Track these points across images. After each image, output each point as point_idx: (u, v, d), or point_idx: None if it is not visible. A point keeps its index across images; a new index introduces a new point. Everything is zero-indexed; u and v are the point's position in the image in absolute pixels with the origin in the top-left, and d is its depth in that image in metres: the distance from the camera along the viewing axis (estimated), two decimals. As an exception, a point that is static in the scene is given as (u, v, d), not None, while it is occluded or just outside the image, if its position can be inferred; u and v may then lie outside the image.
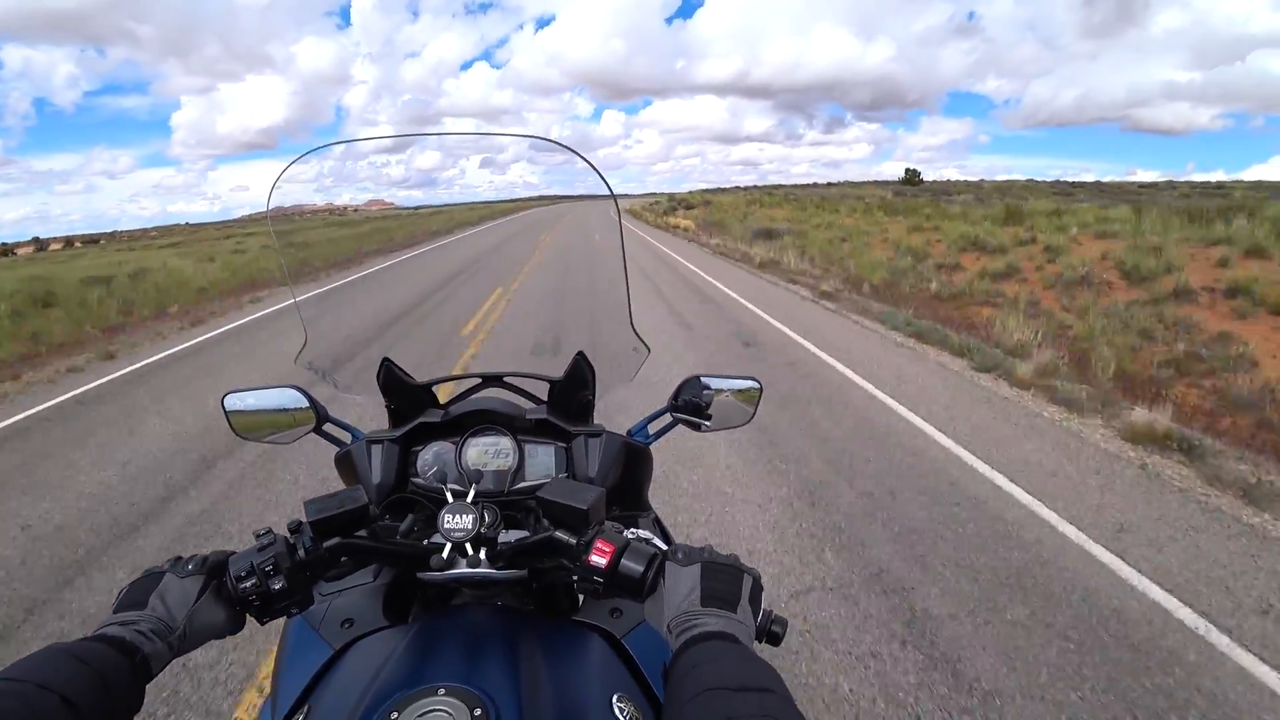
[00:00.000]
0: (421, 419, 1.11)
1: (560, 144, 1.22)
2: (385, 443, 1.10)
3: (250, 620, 0.77)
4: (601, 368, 1.16)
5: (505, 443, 1.09)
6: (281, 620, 0.81)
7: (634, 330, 1.22)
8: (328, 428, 1.18)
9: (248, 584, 0.74)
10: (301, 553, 0.77)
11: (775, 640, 0.72)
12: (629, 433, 1.16)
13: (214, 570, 0.75)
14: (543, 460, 1.09)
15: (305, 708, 0.76)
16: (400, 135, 1.45)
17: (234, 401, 1.17)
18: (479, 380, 1.23)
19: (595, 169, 1.20)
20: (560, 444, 1.09)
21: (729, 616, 0.66)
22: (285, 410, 1.17)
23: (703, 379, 1.14)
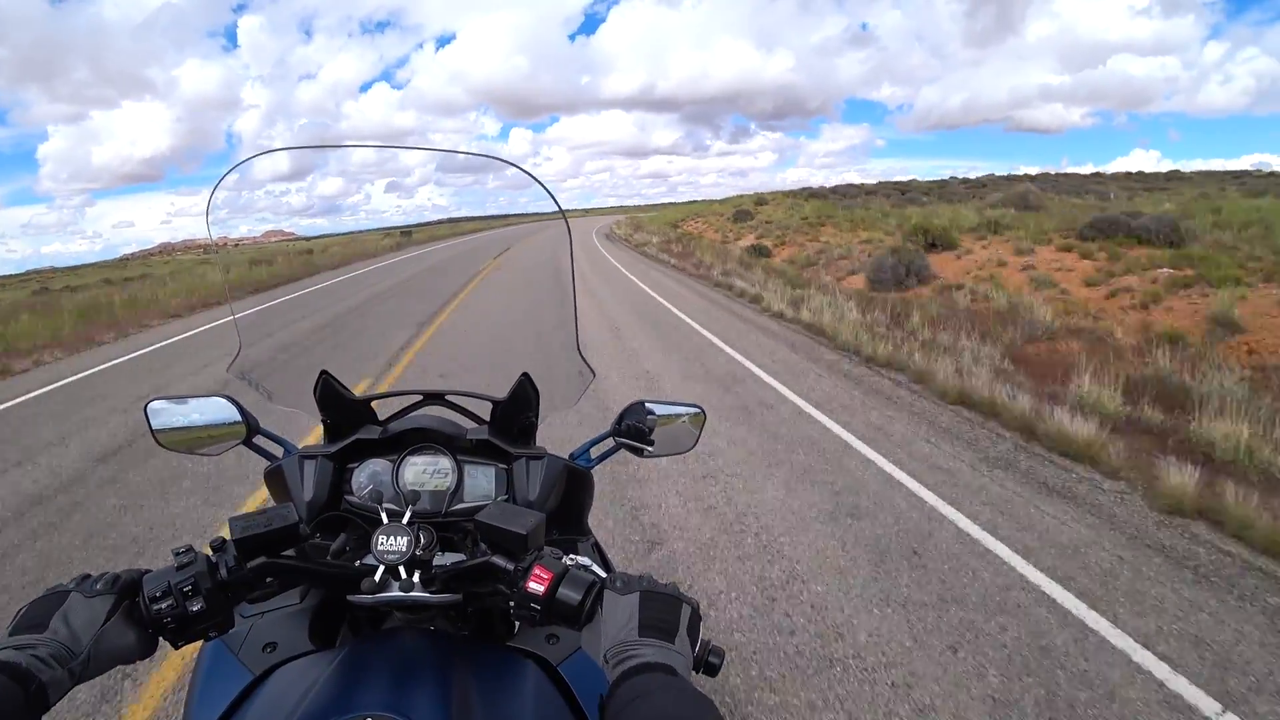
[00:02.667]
0: (358, 435, 1.08)
1: (520, 167, 1.23)
2: (319, 458, 1.06)
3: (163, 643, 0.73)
4: (546, 390, 1.16)
5: (444, 462, 1.07)
6: (197, 643, 0.77)
7: (580, 354, 1.22)
8: (258, 440, 1.14)
9: (163, 605, 0.70)
10: (224, 572, 0.74)
11: (712, 671, 0.72)
12: (571, 456, 1.16)
13: (126, 589, 0.70)
14: (482, 482, 1.07)
15: None
16: (350, 145, 1.43)
17: (158, 409, 1.11)
18: (420, 397, 1.21)
19: (549, 192, 1.21)
20: (501, 465, 1.08)
21: (666, 647, 0.66)
22: (213, 420, 1.12)
23: (646, 404, 1.15)
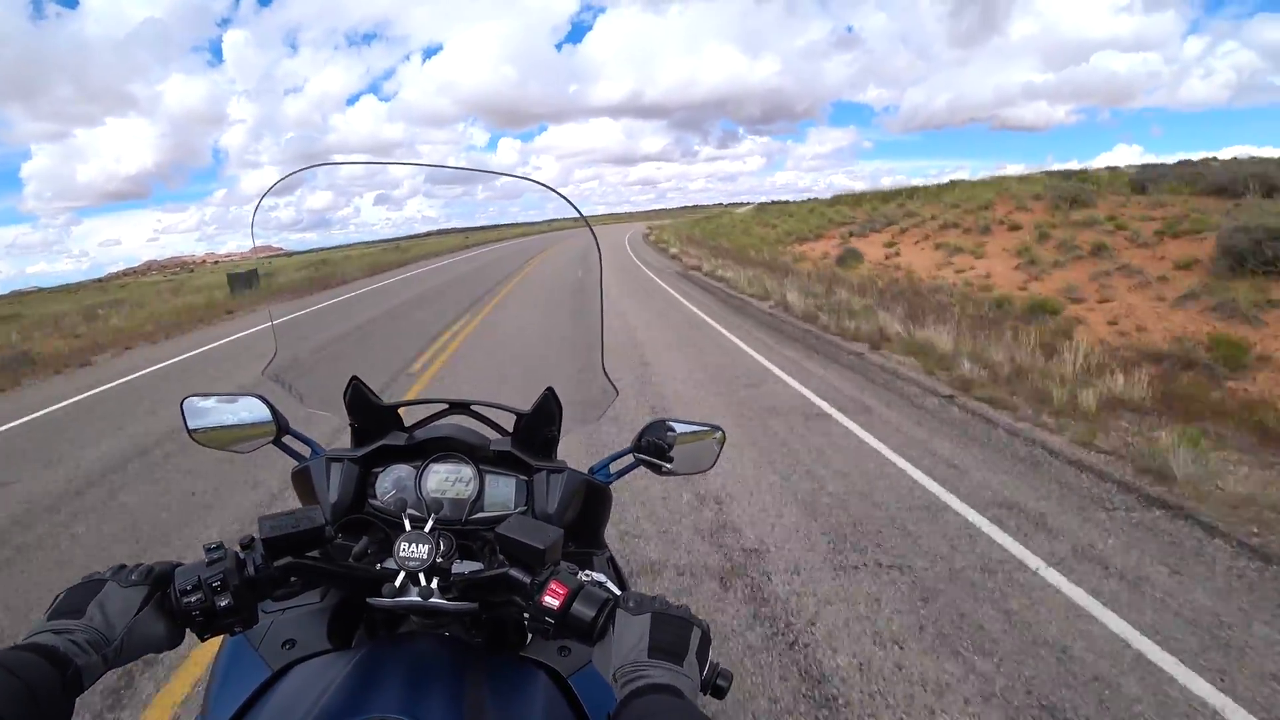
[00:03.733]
0: (384, 441, 1.11)
1: (556, 190, 1.25)
2: (345, 461, 1.09)
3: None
4: (570, 406, 1.17)
5: (466, 471, 1.09)
6: (220, 636, 0.79)
7: (605, 372, 1.24)
8: (287, 440, 1.17)
9: (192, 598, 0.72)
10: (251, 570, 0.76)
11: (720, 693, 0.73)
12: (591, 470, 1.17)
13: (158, 581, 0.73)
14: (503, 492, 1.09)
15: None
16: (389, 162, 1.47)
17: (194, 405, 1.15)
18: (446, 405, 1.23)
19: (574, 205, 1.24)
20: (522, 477, 1.10)
21: (675, 670, 0.66)
22: (245, 418, 1.15)
23: (667, 422, 1.16)
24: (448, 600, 0.83)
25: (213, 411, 1.15)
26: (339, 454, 1.11)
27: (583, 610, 0.73)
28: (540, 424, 1.14)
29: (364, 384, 1.14)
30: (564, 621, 0.74)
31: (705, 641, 0.72)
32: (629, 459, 1.18)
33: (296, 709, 0.71)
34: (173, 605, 0.73)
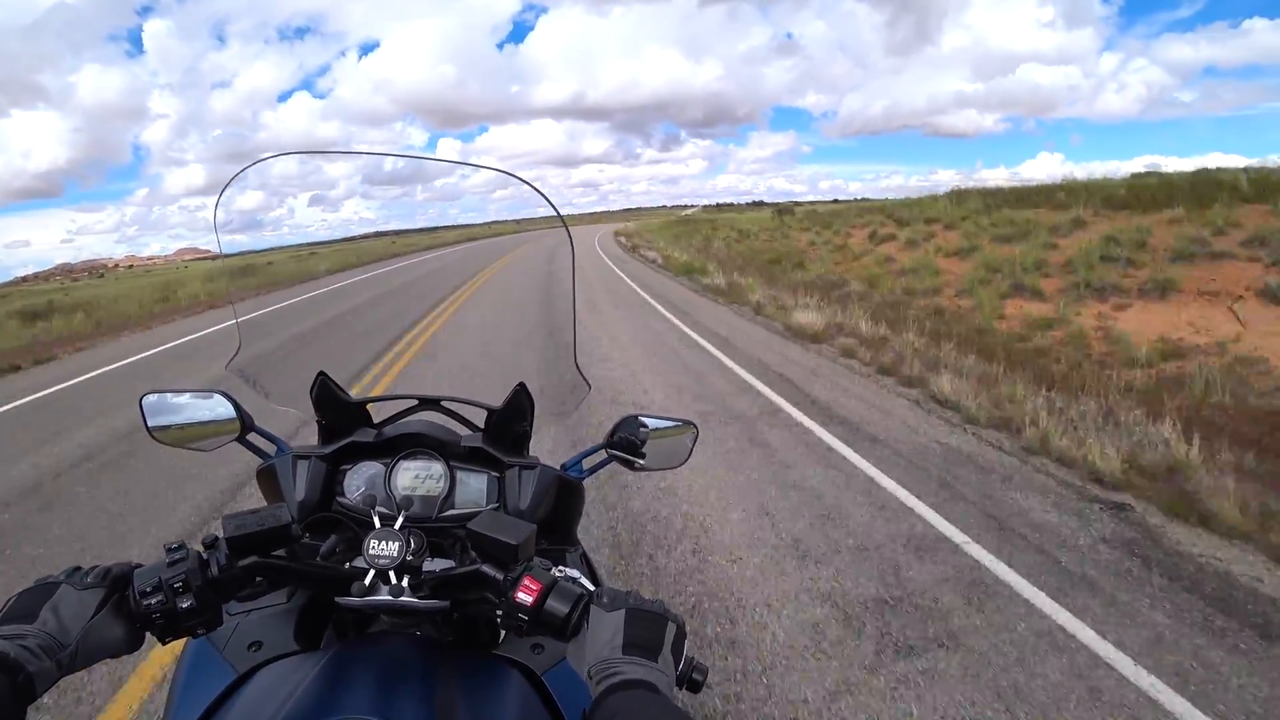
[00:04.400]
0: (353, 437, 1.09)
1: (527, 181, 1.24)
2: (313, 459, 1.07)
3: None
4: (541, 400, 1.16)
5: (437, 468, 1.08)
6: (183, 639, 0.77)
7: (577, 367, 1.24)
8: (252, 437, 1.14)
9: (153, 600, 0.70)
10: (215, 570, 0.74)
11: (695, 688, 0.73)
12: (563, 466, 1.17)
13: (116, 583, 0.70)
14: (474, 489, 1.08)
15: None
16: (367, 153, 1.44)
17: (153, 402, 1.11)
18: (415, 402, 1.22)
19: (552, 204, 1.23)
20: (493, 473, 1.09)
21: (650, 665, 0.67)
22: (208, 415, 1.12)
23: (640, 418, 1.17)
24: (419, 599, 0.82)
25: (173, 408, 1.12)
26: (306, 451, 1.08)
27: (556, 606, 0.73)
28: (512, 420, 1.13)
29: (331, 380, 1.12)
30: (538, 618, 0.73)
31: (680, 636, 0.72)
32: (601, 455, 1.18)
33: (263, 712, 0.70)
34: (132, 608, 0.70)
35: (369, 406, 1.17)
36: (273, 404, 1.24)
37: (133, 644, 0.71)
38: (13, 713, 0.57)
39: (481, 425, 1.16)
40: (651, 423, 1.16)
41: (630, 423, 1.16)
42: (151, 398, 1.11)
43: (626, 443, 1.15)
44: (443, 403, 1.21)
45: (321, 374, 1.11)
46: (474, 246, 39.92)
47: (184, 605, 0.71)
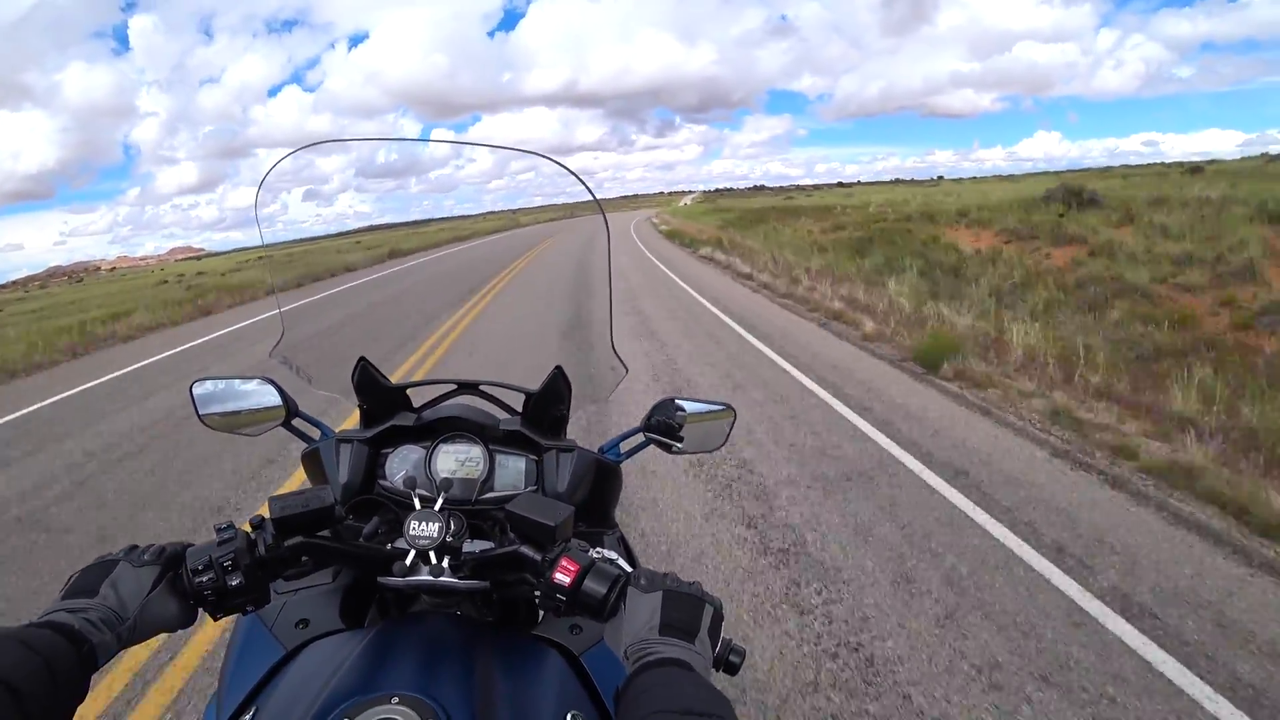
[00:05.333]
0: (394, 421, 1.11)
1: (559, 162, 1.23)
2: (355, 443, 1.09)
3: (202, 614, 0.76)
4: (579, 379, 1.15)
5: (476, 451, 1.08)
6: (233, 616, 0.80)
7: (614, 350, 1.23)
8: (297, 422, 1.17)
9: (204, 578, 0.73)
10: (262, 550, 0.77)
11: (732, 669, 0.73)
12: (601, 450, 1.16)
13: (170, 561, 0.73)
14: (513, 472, 1.09)
15: (253, 708, 0.75)
16: (400, 139, 1.42)
17: (203, 389, 1.15)
18: (454, 386, 1.23)
19: (587, 187, 1.22)
20: (531, 457, 1.09)
21: (687, 647, 0.67)
22: (255, 401, 1.15)
23: (676, 401, 1.15)
24: (459, 579, 0.83)
25: (221, 395, 1.16)
26: (349, 435, 1.11)
27: (594, 587, 0.73)
28: (549, 403, 1.14)
29: (372, 365, 1.13)
30: (575, 598, 0.73)
31: (717, 619, 0.72)
32: (639, 438, 1.17)
33: (310, 687, 0.72)
34: (185, 585, 0.73)
35: (409, 391, 1.19)
36: (315, 389, 1.27)
37: (186, 619, 0.74)
38: (78, 680, 0.60)
39: (519, 409, 1.17)
40: (689, 406, 1.15)
41: (667, 405, 1.15)
42: (201, 384, 1.15)
43: (664, 426, 1.14)
44: (481, 387, 1.22)
45: (362, 359, 1.13)
46: (466, 255, 25.91)
47: (233, 583, 0.73)
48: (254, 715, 0.73)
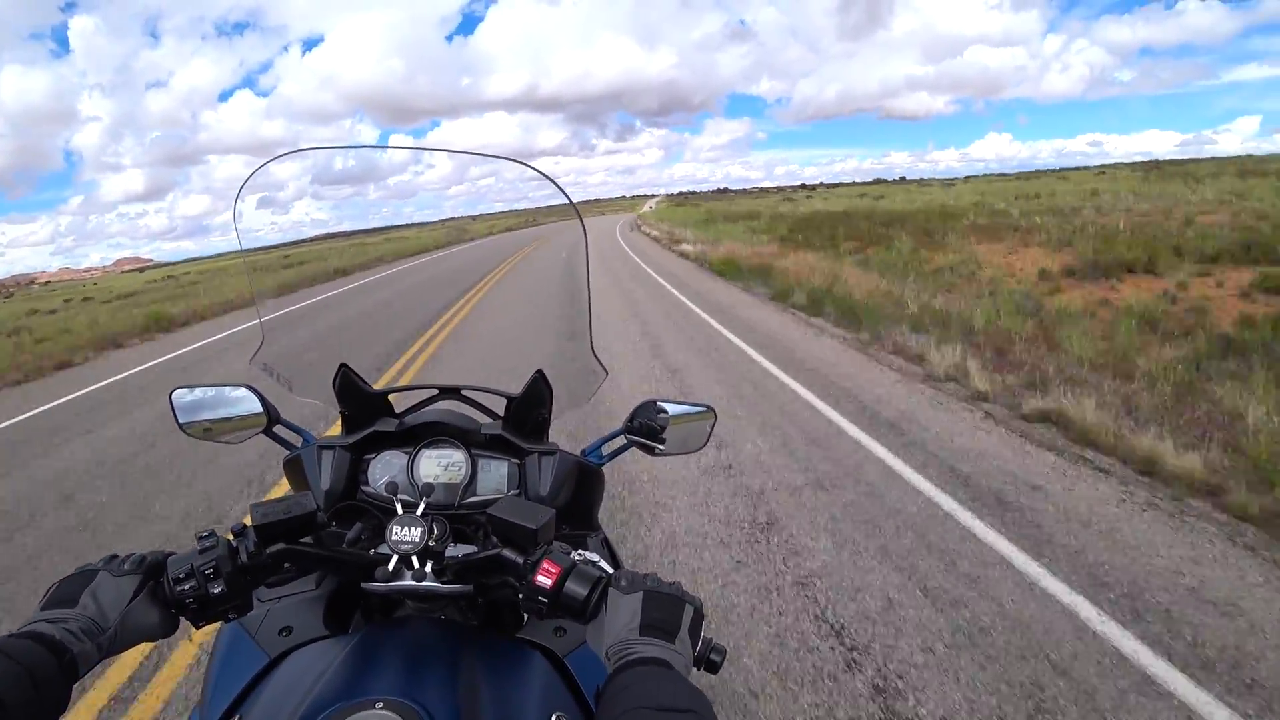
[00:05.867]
0: (375, 427, 1.11)
1: (541, 171, 1.24)
2: (336, 449, 1.09)
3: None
4: (559, 387, 1.17)
5: (458, 456, 1.09)
6: (216, 624, 0.80)
7: (594, 353, 1.24)
8: (278, 429, 1.17)
9: (185, 586, 0.72)
10: (244, 557, 0.76)
11: (713, 668, 0.74)
12: (583, 453, 1.17)
13: (151, 570, 0.73)
14: (495, 476, 1.09)
15: (236, 717, 0.75)
16: (392, 147, 1.41)
17: (183, 397, 1.14)
18: (435, 391, 1.23)
19: (564, 192, 1.23)
20: (514, 460, 1.10)
21: (667, 646, 0.68)
22: (235, 409, 1.15)
23: (658, 403, 1.17)
24: (442, 583, 0.84)
25: (201, 403, 1.15)
26: (330, 441, 1.10)
27: (575, 589, 0.74)
28: (531, 407, 1.14)
29: (353, 371, 1.14)
30: (557, 600, 0.74)
31: (698, 618, 0.73)
32: (621, 440, 1.19)
33: (294, 694, 0.72)
34: (166, 594, 0.73)
35: (390, 397, 1.19)
36: (294, 396, 1.27)
37: (168, 629, 0.74)
38: (60, 690, 0.60)
39: (501, 414, 1.18)
40: (670, 408, 1.16)
41: (649, 408, 1.16)
42: (180, 393, 1.14)
43: (646, 428, 1.15)
44: (462, 391, 1.23)
45: (343, 366, 1.13)
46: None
47: (215, 591, 0.73)
48: None
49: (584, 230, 1.28)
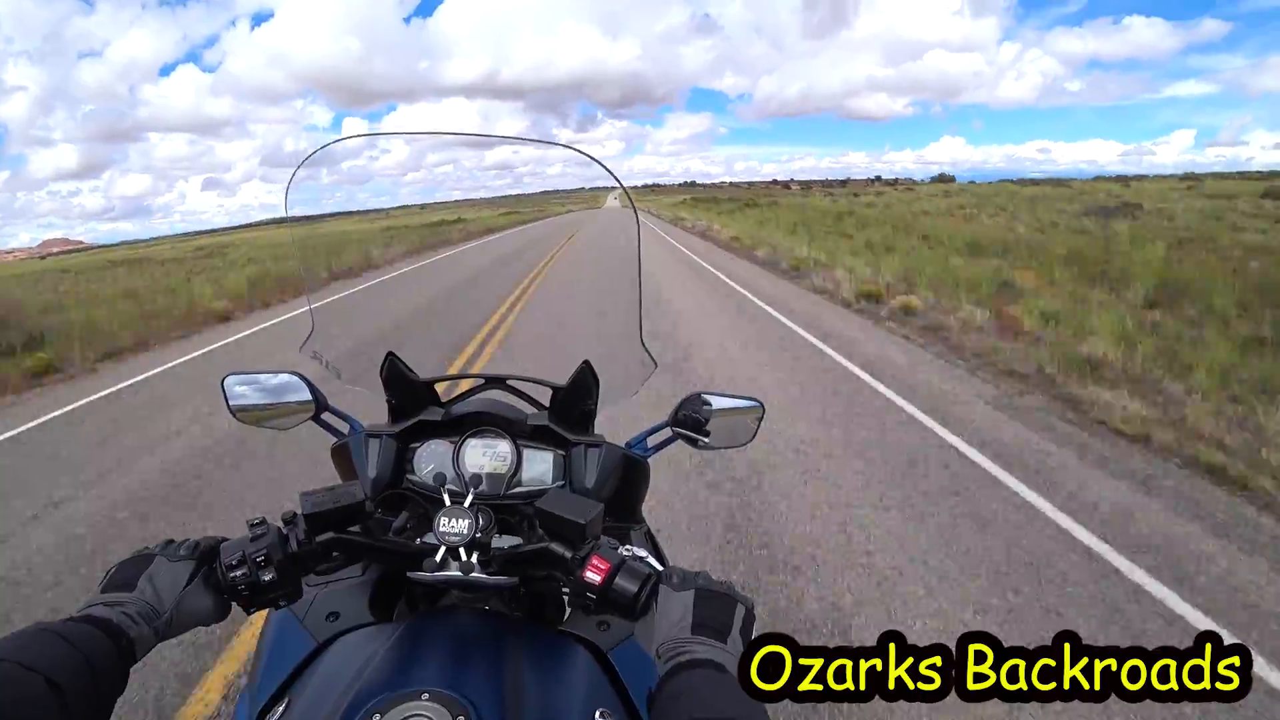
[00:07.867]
0: (422, 416, 1.11)
1: (585, 153, 1.21)
2: (384, 437, 1.09)
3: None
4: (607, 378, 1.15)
5: (504, 446, 1.08)
6: (265, 610, 0.80)
7: (643, 344, 1.21)
8: (326, 417, 1.18)
9: (238, 573, 0.73)
10: (294, 545, 0.77)
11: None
12: (628, 444, 1.16)
13: (205, 556, 0.74)
14: (540, 466, 1.08)
15: (285, 700, 0.76)
16: (447, 133, 1.40)
17: (234, 383, 1.16)
18: (482, 380, 1.23)
19: (615, 177, 1.20)
20: (559, 451, 1.09)
21: (719, 647, 0.65)
22: (285, 395, 1.16)
23: (704, 396, 1.14)
24: (488, 575, 0.83)
25: (252, 390, 1.17)
26: (377, 430, 1.11)
27: (625, 586, 0.72)
28: (577, 398, 1.13)
29: (400, 360, 1.14)
30: (605, 597, 0.73)
31: (749, 618, 0.71)
32: (666, 433, 1.16)
33: (341, 680, 0.72)
34: (219, 579, 0.74)
35: (437, 385, 1.19)
36: (343, 384, 1.28)
37: (220, 614, 0.75)
38: (118, 673, 0.61)
39: (547, 404, 1.16)
40: (716, 401, 1.13)
41: (694, 401, 1.14)
42: (232, 379, 1.16)
43: (691, 421, 1.13)
44: (508, 381, 1.22)
45: (390, 354, 1.13)
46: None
47: (266, 578, 0.74)
48: (286, 707, 0.74)
49: (635, 214, 1.25)
